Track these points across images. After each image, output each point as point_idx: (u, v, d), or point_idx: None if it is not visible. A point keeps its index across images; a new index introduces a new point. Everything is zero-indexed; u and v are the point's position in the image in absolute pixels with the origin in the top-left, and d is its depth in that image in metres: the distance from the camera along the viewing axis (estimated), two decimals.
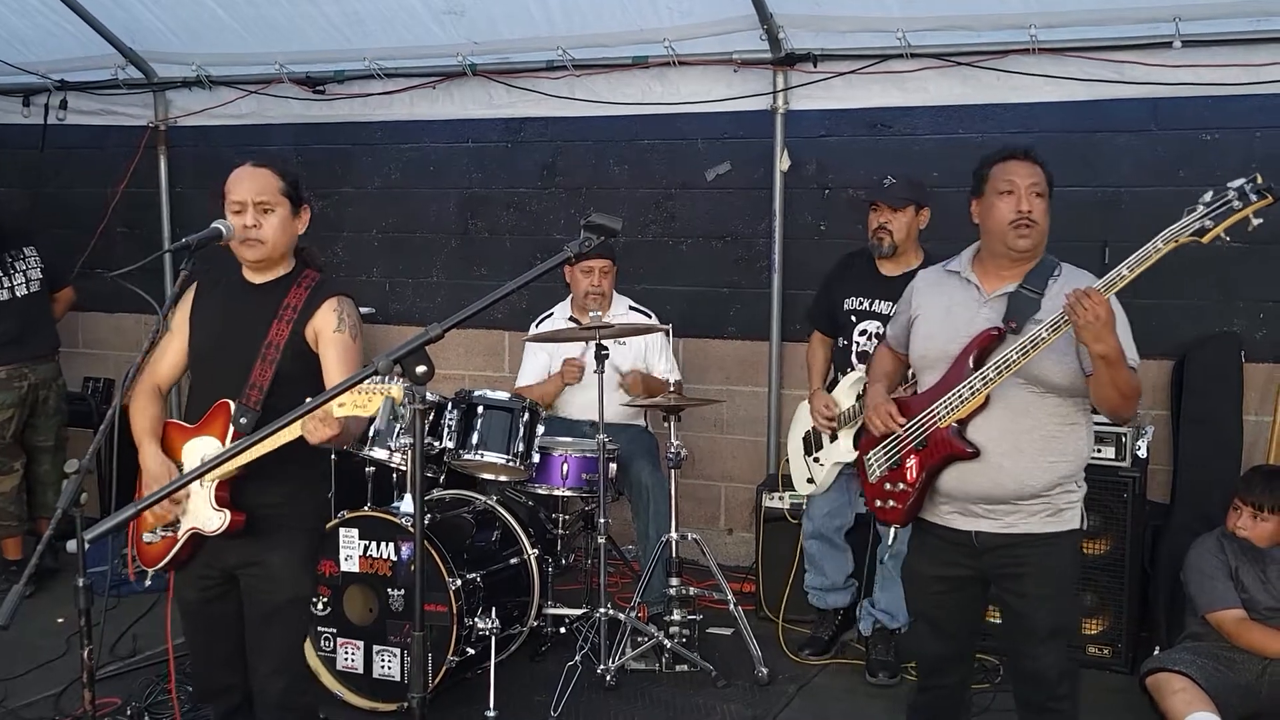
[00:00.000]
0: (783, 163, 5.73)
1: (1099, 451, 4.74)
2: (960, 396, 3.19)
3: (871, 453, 3.47)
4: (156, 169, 6.95)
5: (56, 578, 5.50)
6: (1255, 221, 2.89)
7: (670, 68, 5.70)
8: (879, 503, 3.48)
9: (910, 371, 3.62)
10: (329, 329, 3.22)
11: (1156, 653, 4.50)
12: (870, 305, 4.74)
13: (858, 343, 4.76)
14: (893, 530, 3.60)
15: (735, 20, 5.39)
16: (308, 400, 2.61)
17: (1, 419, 5.79)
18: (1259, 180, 2.88)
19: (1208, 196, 2.91)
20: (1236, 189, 2.88)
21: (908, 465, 3.34)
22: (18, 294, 5.87)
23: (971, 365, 3.18)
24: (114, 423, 2.67)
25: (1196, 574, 4.37)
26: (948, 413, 3.22)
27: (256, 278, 3.32)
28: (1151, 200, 5.34)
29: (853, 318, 4.77)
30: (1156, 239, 2.92)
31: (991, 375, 3.14)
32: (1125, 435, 4.74)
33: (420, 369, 2.21)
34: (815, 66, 5.52)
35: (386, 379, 2.63)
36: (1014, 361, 3.10)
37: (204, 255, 3.06)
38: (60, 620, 5.17)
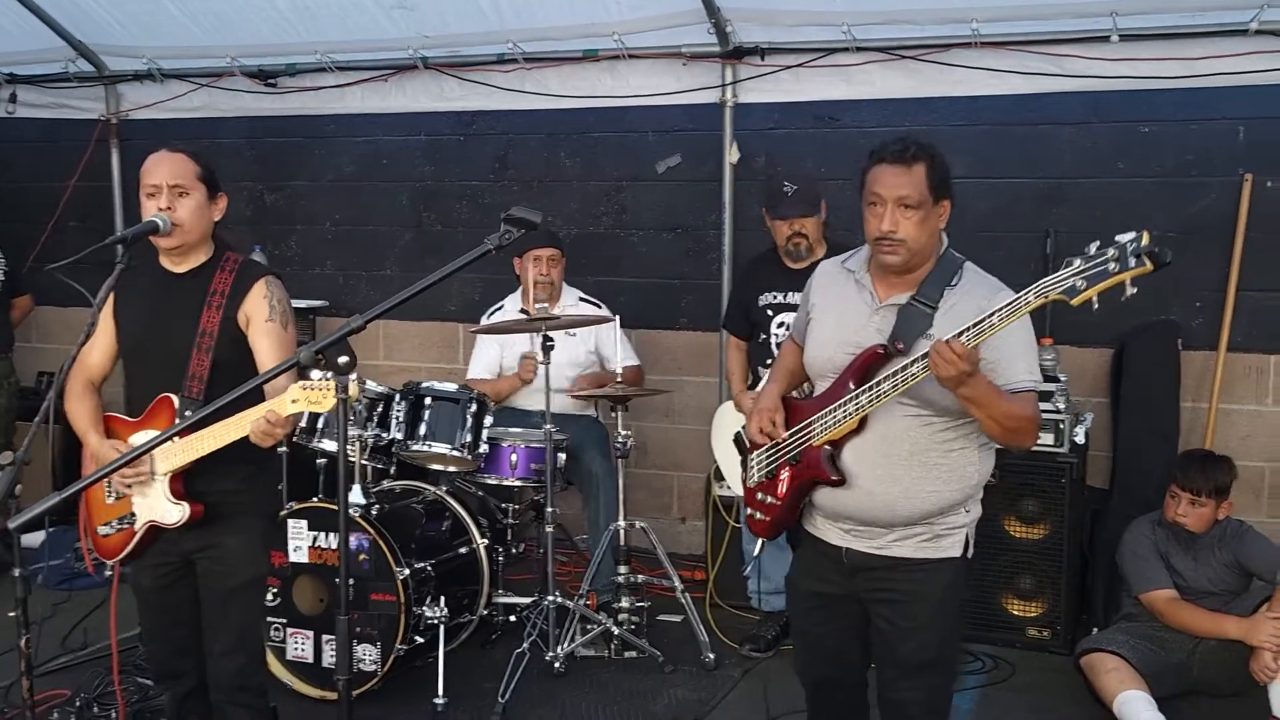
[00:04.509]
0: (732, 155, 5.80)
1: (1037, 439, 4.83)
2: (834, 418, 2.96)
3: (755, 454, 3.23)
4: (109, 162, 6.92)
5: (8, 573, 5.49)
6: (1130, 290, 2.58)
7: (620, 61, 5.77)
8: (749, 511, 3.27)
9: None
10: (261, 318, 3.23)
11: (1095, 633, 4.62)
12: (785, 298, 4.85)
13: (776, 334, 4.87)
14: (759, 543, 3.35)
15: (683, 14, 5.45)
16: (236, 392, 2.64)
17: None
18: (1145, 241, 2.56)
19: (1091, 249, 2.62)
20: (1118, 248, 2.57)
21: (781, 478, 3.12)
22: None
23: (853, 385, 2.93)
24: (50, 413, 2.70)
25: (1130, 555, 4.49)
26: (821, 431, 2.99)
27: (177, 266, 3.29)
28: (1092, 191, 5.46)
29: (769, 312, 4.89)
30: (1028, 291, 2.68)
31: (864, 402, 2.90)
32: (1064, 422, 4.84)
33: (342, 359, 2.26)
34: (763, 60, 5.60)
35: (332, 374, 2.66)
36: (885, 392, 2.87)
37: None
38: (11, 614, 5.15)
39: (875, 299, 3.02)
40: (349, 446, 4.56)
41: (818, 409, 3.02)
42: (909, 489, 2.95)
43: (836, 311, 3.10)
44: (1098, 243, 2.62)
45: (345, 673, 2.33)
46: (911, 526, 2.99)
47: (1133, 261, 2.56)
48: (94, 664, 4.62)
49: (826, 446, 2.98)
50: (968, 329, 2.71)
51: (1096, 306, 2.63)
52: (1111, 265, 2.58)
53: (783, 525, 3.17)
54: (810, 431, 3.02)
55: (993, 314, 2.70)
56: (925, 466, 2.95)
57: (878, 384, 2.88)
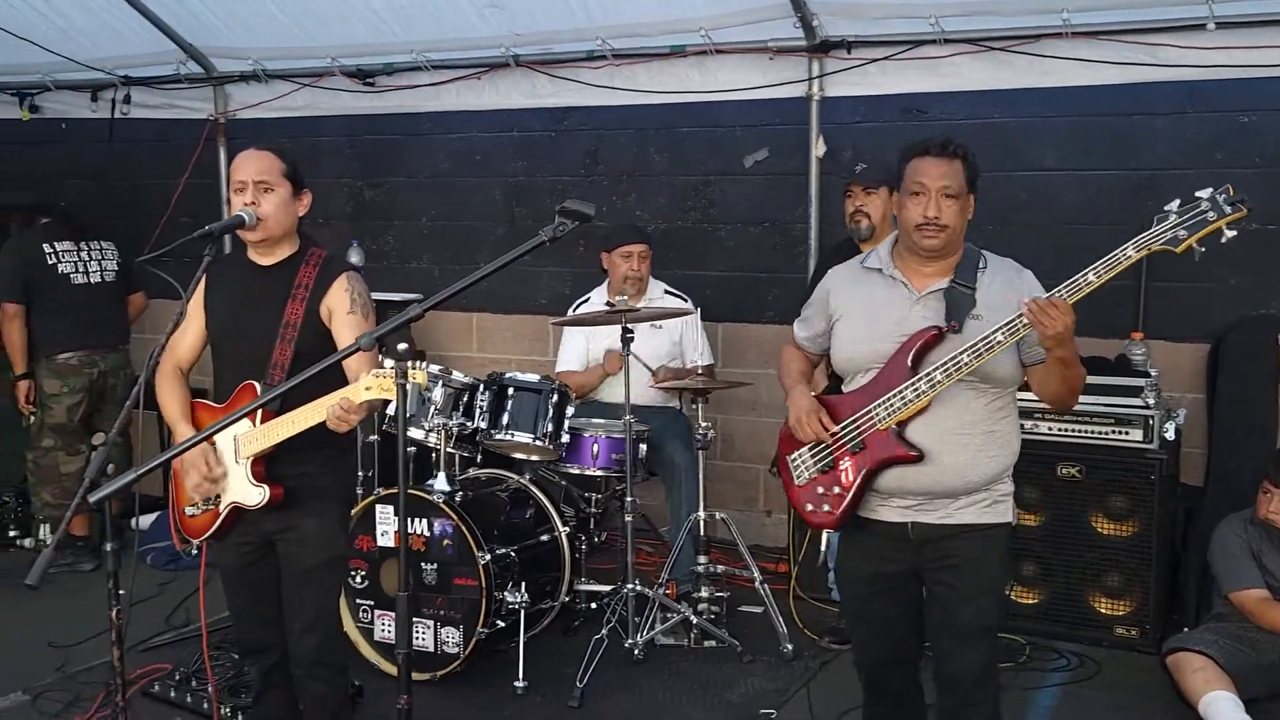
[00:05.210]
0: (818, 149, 5.80)
1: (1125, 434, 4.77)
2: (903, 399, 3.05)
3: (798, 453, 3.28)
4: (217, 161, 7.17)
5: (121, 553, 5.76)
6: (1229, 234, 2.82)
7: (707, 56, 5.81)
8: (810, 507, 3.27)
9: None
10: (343, 310, 3.36)
11: (1183, 633, 4.53)
12: None
13: None
14: (825, 535, 3.42)
15: (770, 9, 5.47)
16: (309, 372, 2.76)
17: (70, 404, 6.08)
18: (1231, 192, 2.83)
19: (1175, 205, 2.86)
20: (1208, 198, 2.83)
21: (842, 468, 3.16)
22: (92, 281, 6.17)
23: (910, 365, 3.05)
24: (139, 397, 2.86)
25: (1220, 554, 4.40)
26: (888, 415, 3.07)
27: (264, 259, 3.45)
28: (1188, 182, 5.19)
29: None
30: (1127, 246, 2.84)
31: (940, 378, 3.00)
32: (1153, 418, 4.74)
33: (401, 346, 2.36)
34: (849, 53, 5.59)
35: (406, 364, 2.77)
36: (966, 364, 2.98)
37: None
38: (121, 592, 5.41)
39: (912, 290, 3.15)
40: (434, 435, 4.71)
41: (865, 399, 3.12)
42: (975, 455, 3.10)
43: (868, 308, 3.21)
44: (1178, 201, 2.86)
45: (405, 647, 2.43)
46: (975, 493, 3.13)
47: (1228, 209, 2.81)
48: (195, 640, 4.81)
49: (894, 427, 3.08)
50: (1063, 288, 2.89)
51: (1204, 250, 2.83)
52: (1210, 214, 2.82)
53: (850, 514, 3.21)
54: (872, 418, 3.11)
55: (1089, 272, 2.87)
56: (985, 434, 3.12)
57: (954, 358, 2.99)
